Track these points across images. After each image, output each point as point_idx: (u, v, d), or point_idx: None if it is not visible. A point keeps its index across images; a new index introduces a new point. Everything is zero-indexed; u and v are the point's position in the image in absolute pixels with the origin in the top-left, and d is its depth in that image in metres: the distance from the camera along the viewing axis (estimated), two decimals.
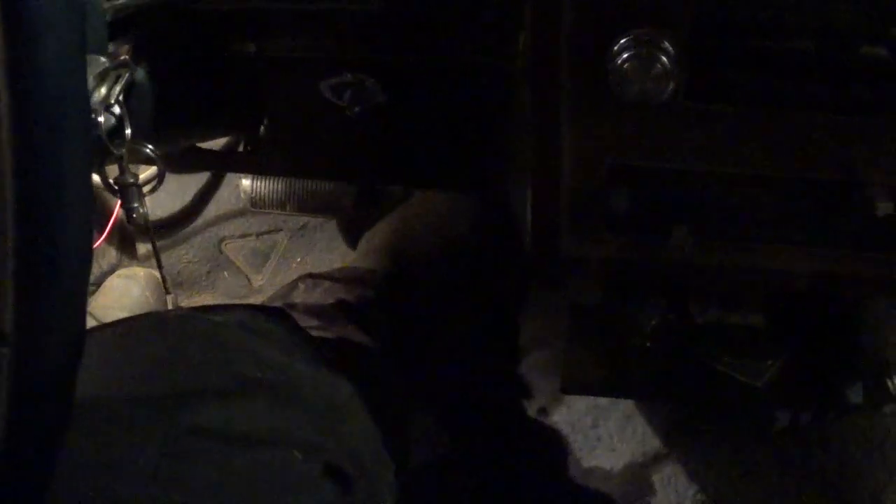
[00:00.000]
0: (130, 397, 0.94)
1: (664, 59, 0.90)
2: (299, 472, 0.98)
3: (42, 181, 0.47)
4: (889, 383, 1.48)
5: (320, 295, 1.47)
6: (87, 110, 0.50)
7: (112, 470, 0.86)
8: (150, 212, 0.96)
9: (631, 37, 0.91)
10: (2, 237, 0.47)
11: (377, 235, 1.72)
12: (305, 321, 1.32)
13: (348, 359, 1.23)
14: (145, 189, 0.97)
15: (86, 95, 0.49)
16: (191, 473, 0.90)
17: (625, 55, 0.91)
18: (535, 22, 0.95)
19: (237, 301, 2.16)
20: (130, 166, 0.94)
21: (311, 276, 1.55)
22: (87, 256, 0.54)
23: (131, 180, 0.93)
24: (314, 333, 1.27)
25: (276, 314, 1.21)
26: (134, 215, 0.93)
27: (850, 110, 0.96)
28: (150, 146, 0.97)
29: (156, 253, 1.34)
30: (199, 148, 1.42)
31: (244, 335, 1.10)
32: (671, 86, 0.91)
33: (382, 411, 1.16)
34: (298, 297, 1.48)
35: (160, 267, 1.37)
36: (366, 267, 1.62)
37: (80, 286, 0.55)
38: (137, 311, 2.02)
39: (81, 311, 0.56)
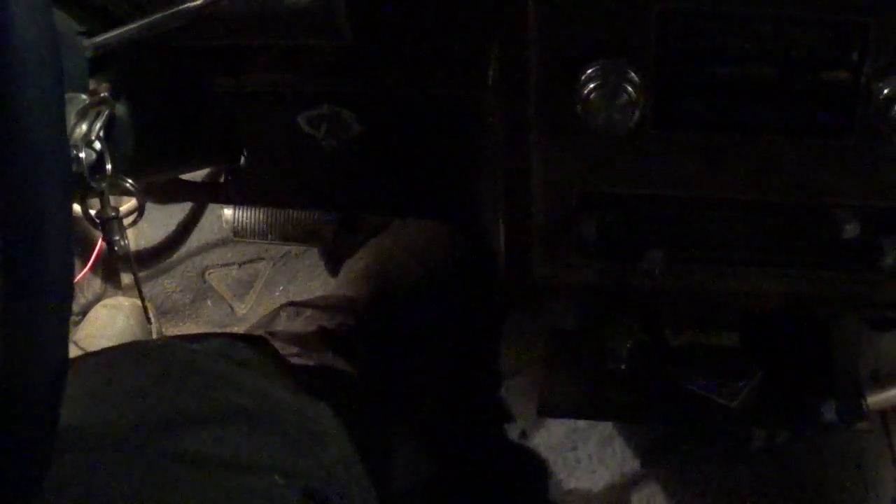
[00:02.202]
0: (112, 425, 0.94)
1: (630, 88, 0.92)
2: (280, 498, 0.98)
3: (22, 220, 0.49)
4: (863, 401, 1.49)
5: (302, 323, 1.48)
6: (66, 149, 0.51)
7: (93, 497, 0.87)
8: (133, 242, 0.97)
9: (597, 67, 0.93)
10: None
11: (358, 263, 1.73)
12: (286, 349, 1.33)
13: (328, 385, 1.24)
14: (126, 222, 0.99)
15: (64, 135, 0.51)
16: (172, 500, 0.91)
17: (591, 85, 0.92)
18: (503, 54, 0.97)
19: (221, 329, 2.17)
20: (112, 199, 0.96)
21: (292, 304, 1.56)
22: (68, 288, 0.56)
23: (112, 214, 0.95)
24: (295, 361, 1.27)
25: (255, 342, 1.22)
26: (116, 248, 0.94)
27: (814, 134, 0.98)
28: (129, 180, 0.98)
29: (137, 283, 1.36)
30: (181, 179, 1.44)
31: (223, 363, 1.11)
32: (637, 114, 0.93)
33: (362, 437, 1.17)
34: (280, 325, 1.49)
35: (142, 297, 1.38)
36: (347, 295, 1.63)
37: (62, 316, 0.56)
38: (122, 341, 2.02)
39: (63, 343, 0.58)
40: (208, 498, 0.93)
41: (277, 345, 1.30)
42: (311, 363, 1.32)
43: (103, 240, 0.94)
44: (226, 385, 1.07)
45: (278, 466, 1.00)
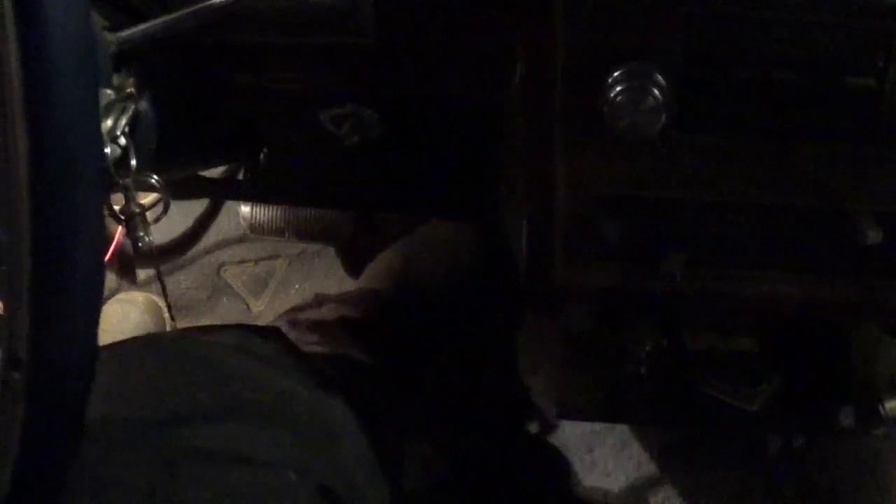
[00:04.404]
0: (126, 419, 0.94)
1: (656, 91, 0.92)
2: (293, 493, 0.98)
3: (58, 213, 0.49)
4: (880, 407, 1.49)
5: (326, 312, 1.48)
6: (100, 147, 0.51)
7: (108, 491, 0.87)
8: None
9: (624, 70, 0.93)
10: (19, 267, 0.49)
11: (383, 261, 1.73)
12: (306, 336, 1.32)
13: (345, 377, 1.24)
14: (150, 217, 0.98)
15: (99, 133, 0.51)
16: (186, 494, 0.91)
17: (618, 88, 0.92)
18: (530, 55, 0.97)
19: None
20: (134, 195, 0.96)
21: (318, 296, 1.57)
22: (99, 284, 0.56)
23: (137, 210, 0.95)
24: (313, 349, 1.27)
25: (270, 334, 1.22)
26: (140, 244, 0.94)
27: (838, 140, 0.98)
28: (154, 176, 0.98)
29: (161, 280, 1.36)
30: (200, 176, 1.44)
31: (238, 356, 1.11)
32: (663, 118, 0.93)
33: (376, 433, 1.17)
34: (304, 314, 1.49)
35: (165, 294, 1.37)
36: (371, 287, 1.63)
37: (94, 312, 0.56)
38: (136, 335, 2.03)
39: (94, 337, 0.58)
40: (222, 493, 0.93)
41: (297, 334, 1.29)
42: (328, 351, 1.32)
43: (128, 236, 0.94)
44: (240, 380, 1.07)
45: (292, 463, 1.00)
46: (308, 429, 1.07)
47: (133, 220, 0.93)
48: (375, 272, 1.71)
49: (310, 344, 1.30)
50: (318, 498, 1.00)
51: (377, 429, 1.18)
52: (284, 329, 1.36)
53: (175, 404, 0.99)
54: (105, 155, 0.87)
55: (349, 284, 1.83)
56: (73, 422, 0.59)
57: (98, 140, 0.51)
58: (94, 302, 0.55)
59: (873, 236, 1.04)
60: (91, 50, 0.50)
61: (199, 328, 1.23)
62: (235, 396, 1.04)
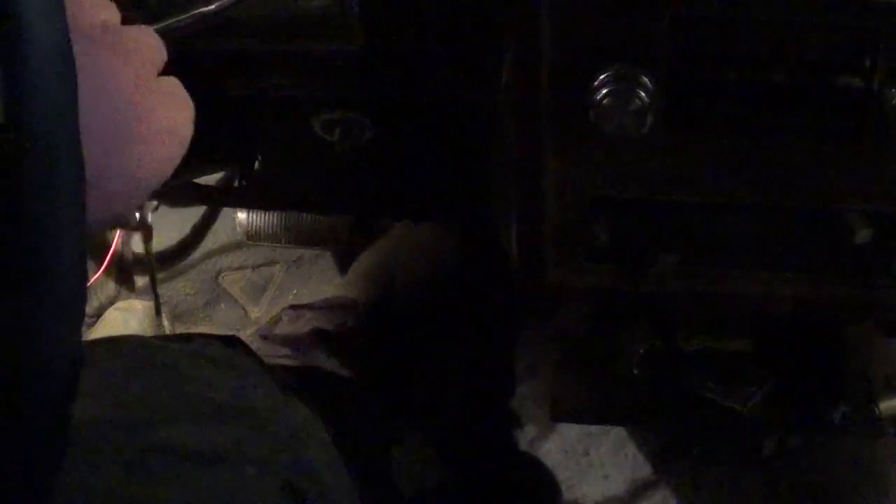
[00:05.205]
0: (85, 420, 0.94)
1: (643, 93, 0.92)
2: (255, 489, 0.98)
3: (38, 222, 0.49)
4: (874, 406, 1.49)
5: (301, 325, 1.48)
6: (80, 156, 0.52)
7: (69, 492, 0.87)
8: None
9: (610, 72, 0.93)
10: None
11: (363, 264, 1.73)
12: (276, 350, 1.33)
13: (312, 384, 1.24)
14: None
15: (78, 142, 0.51)
16: (146, 492, 0.91)
17: (604, 90, 0.92)
18: (517, 59, 0.98)
19: (235, 333, 2.18)
20: None
21: (293, 307, 1.57)
22: (81, 292, 0.56)
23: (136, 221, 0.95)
24: (283, 362, 1.27)
25: (229, 342, 1.22)
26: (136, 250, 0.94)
27: (826, 139, 0.99)
28: None
29: (154, 286, 1.36)
30: (196, 182, 1.44)
31: (200, 361, 1.11)
32: (650, 119, 0.93)
33: (347, 437, 1.16)
34: (279, 328, 1.49)
35: (157, 302, 1.37)
36: (349, 296, 1.63)
37: (74, 321, 0.56)
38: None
39: (76, 345, 0.58)
40: (182, 490, 0.93)
41: (269, 346, 1.30)
42: (298, 364, 1.32)
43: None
44: (200, 382, 1.07)
45: (254, 459, 1.00)
46: (270, 427, 1.06)
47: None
48: (354, 276, 1.71)
49: (280, 357, 1.30)
50: (283, 493, 1.00)
51: (348, 433, 1.18)
52: (256, 342, 1.36)
53: (134, 404, 0.99)
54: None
55: (337, 287, 1.83)
56: (58, 429, 0.59)
57: (77, 149, 0.51)
58: (75, 307, 0.55)
59: (863, 235, 1.04)
60: (69, 57, 0.51)
61: (161, 336, 1.23)
62: (195, 397, 1.04)
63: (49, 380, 0.56)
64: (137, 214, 0.92)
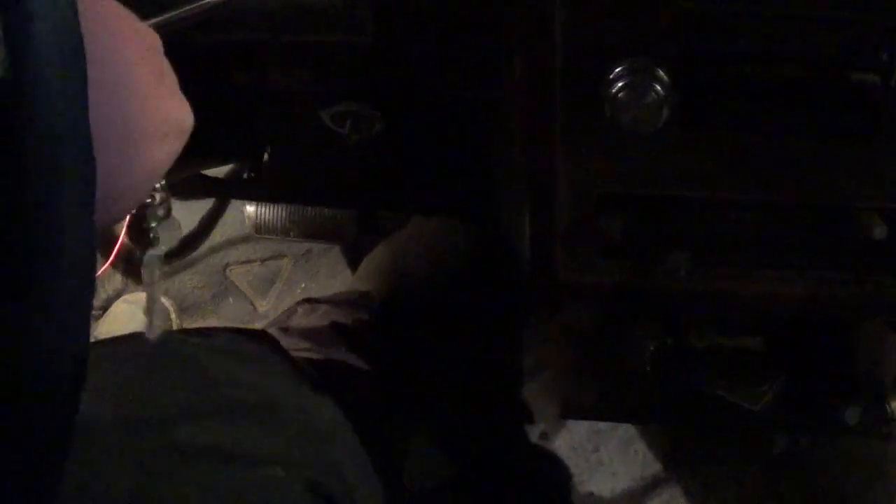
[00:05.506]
0: (111, 418, 0.94)
1: (658, 87, 0.91)
2: (281, 489, 0.97)
3: (44, 214, 0.48)
4: (886, 405, 1.48)
5: (316, 318, 1.47)
6: (89, 145, 0.51)
7: (92, 491, 0.86)
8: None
9: (625, 66, 0.92)
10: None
11: (374, 259, 1.73)
12: (297, 344, 1.32)
13: (336, 380, 1.23)
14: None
15: (87, 130, 0.50)
16: (169, 493, 0.90)
17: (619, 84, 0.92)
18: (529, 53, 0.97)
19: (242, 326, 2.17)
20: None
21: (308, 300, 1.56)
22: (90, 283, 0.55)
23: (147, 200, 0.94)
24: (304, 355, 1.27)
25: (257, 337, 1.21)
26: (152, 235, 0.93)
27: (842, 135, 0.98)
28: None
29: (151, 283, 1.34)
30: (204, 175, 1.44)
31: (224, 358, 1.10)
32: (665, 113, 0.92)
33: (370, 433, 1.16)
34: (295, 321, 1.48)
35: (149, 301, 1.35)
36: (362, 290, 1.63)
37: (83, 312, 0.55)
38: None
39: (85, 337, 0.57)
40: (207, 490, 0.93)
41: (289, 340, 1.29)
42: (320, 357, 1.31)
43: (142, 228, 0.93)
44: (226, 380, 1.06)
45: (280, 459, 1.00)
46: (296, 427, 1.06)
47: (144, 211, 0.92)
48: (366, 271, 1.70)
49: (301, 350, 1.29)
50: (309, 493, 1.00)
51: (371, 431, 1.17)
52: (276, 335, 1.35)
53: (160, 403, 0.99)
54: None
55: (349, 281, 1.83)
56: (65, 423, 0.59)
57: (87, 136, 0.50)
58: (83, 298, 0.55)
59: (879, 233, 1.03)
60: (78, 42, 0.50)
61: (187, 330, 1.22)
62: (221, 396, 1.03)
63: (55, 373, 0.55)
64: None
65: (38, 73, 0.47)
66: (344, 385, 1.22)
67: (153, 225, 0.87)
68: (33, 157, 0.46)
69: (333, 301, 1.54)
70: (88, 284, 0.55)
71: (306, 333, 1.39)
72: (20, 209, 0.47)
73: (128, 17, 0.64)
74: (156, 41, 0.68)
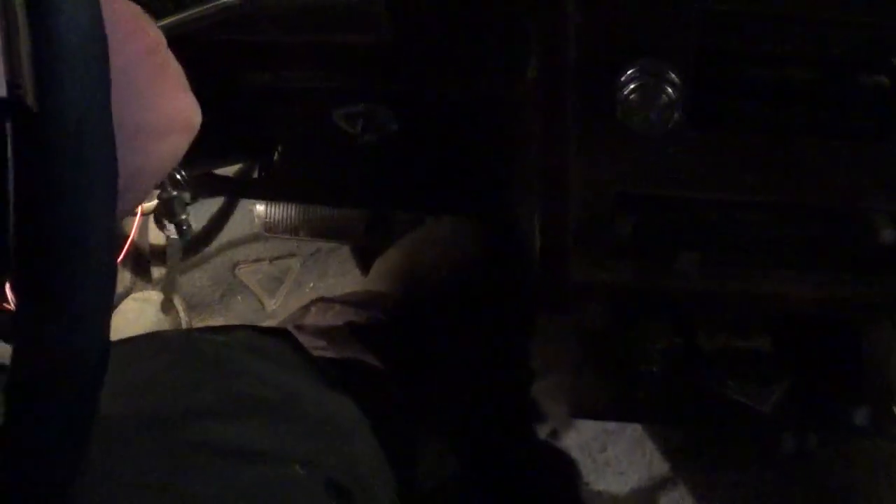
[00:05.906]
0: (134, 415, 0.94)
1: (669, 89, 0.91)
2: (302, 487, 0.98)
3: (70, 211, 0.49)
4: (894, 407, 1.48)
5: (331, 317, 1.48)
6: (112, 142, 0.51)
7: (120, 486, 0.87)
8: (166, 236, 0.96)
9: (637, 67, 0.93)
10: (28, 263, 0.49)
11: (388, 260, 1.73)
12: (313, 342, 1.32)
13: (353, 379, 1.24)
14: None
15: (111, 128, 0.51)
16: (197, 489, 0.91)
17: (631, 85, 0.92)
18: (543, 54, 0.97)
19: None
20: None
21: (322, 299, 1.56)
22: (111, 279, 0.56)
23: (174, 193, 0.94)
24: (320, 354, 1.27)
25: (279, 335, 1.22)
26: (185, 227, 0.93)
27: (852, 137, 0.98)
28: (182, 171, 0.98)
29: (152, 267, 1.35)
30: (214, 174, 1.44)
31: (246, 355, 1.11)
32: (676, 115, 0.93)
33: (385, 431, 1.16)
34: (309, 319, 1.49)
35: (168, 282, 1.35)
36: (377, 290, 1.63)
37: (104, 311, 0.56)
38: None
39: (105, 334, 0.58)
40: (229, 488, 0.93)
41: (305, 338, 1.29)
42: (336, 356, 1.32)
43: (170, 222, 0.93)
44: (248, 377, 1.07)
45: (300, 456, 1.00)
46: (316, 424, 1.07)
47: (171, 203, 0.93)
48: (380, 272, 1.71)
49: (318, 349, 1.30)
50: (327, 491, 1.00)
51: (385, 426, 1.18)
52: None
53: (182, 401, 0.99)
54: None
55: (364, 281, 1.83)
56: (86, 417, 0.59)
57: (110, 135, 0.51)
58: (104, 296, 0.55)
59: (888, 235, 1.04)
60: (103, 40, 0.50)
61: (208, 328, 1.23)
62: (242, 393, 1.04)
63: (79, 368, 0.56)
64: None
65: (65, 74, 0.47)
66: (360, 383, 1.22)
67: (184, 217, 0.88)
68: (57, 146, 0.47)
69: (347, 301, 1.55)
70: (110, 283, 0.55)
71: (321, 332, 1.40)
72: (51, 215, 0.47)
73: (126, 15, 0.64)
74: (158, 38, 0.68)
